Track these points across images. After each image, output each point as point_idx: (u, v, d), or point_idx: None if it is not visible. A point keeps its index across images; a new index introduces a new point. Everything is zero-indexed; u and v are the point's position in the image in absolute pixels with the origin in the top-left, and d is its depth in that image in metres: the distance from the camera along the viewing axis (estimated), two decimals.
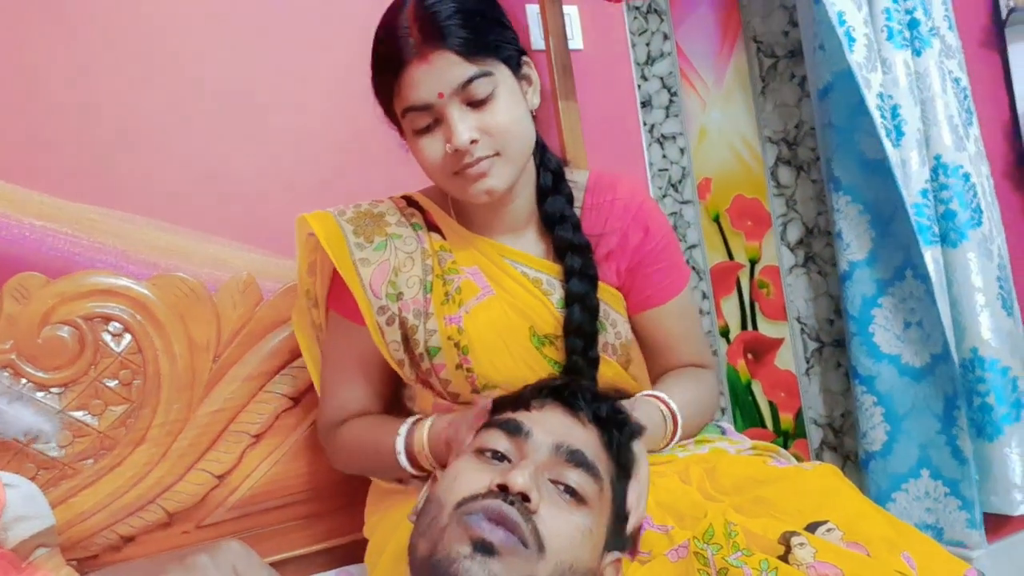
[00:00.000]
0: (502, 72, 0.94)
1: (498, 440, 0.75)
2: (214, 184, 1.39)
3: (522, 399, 0.81)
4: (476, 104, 0.92)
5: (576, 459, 0.73)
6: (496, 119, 0.93)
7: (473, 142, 0.92)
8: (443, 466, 0.90)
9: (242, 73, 1.43)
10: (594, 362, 1.03)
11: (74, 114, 1.30)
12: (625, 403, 0.88)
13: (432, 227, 1.08)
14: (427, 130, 0.94)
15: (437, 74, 0.90)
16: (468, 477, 0.71)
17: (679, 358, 1.11)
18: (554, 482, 0.71)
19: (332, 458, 1.14)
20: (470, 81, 0.91)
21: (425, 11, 0.91)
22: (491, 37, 0.93)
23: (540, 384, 0.84)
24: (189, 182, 1.37)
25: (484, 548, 0.63)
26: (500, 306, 1.02)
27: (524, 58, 1.00)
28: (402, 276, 1.02)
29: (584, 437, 0.76)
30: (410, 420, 0.99)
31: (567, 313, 1.02)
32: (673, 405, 0.98)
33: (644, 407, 0.94)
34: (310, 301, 1.15)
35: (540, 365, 1.02)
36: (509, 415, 0.78)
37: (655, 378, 1.13)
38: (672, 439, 0.98)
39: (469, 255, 1.04)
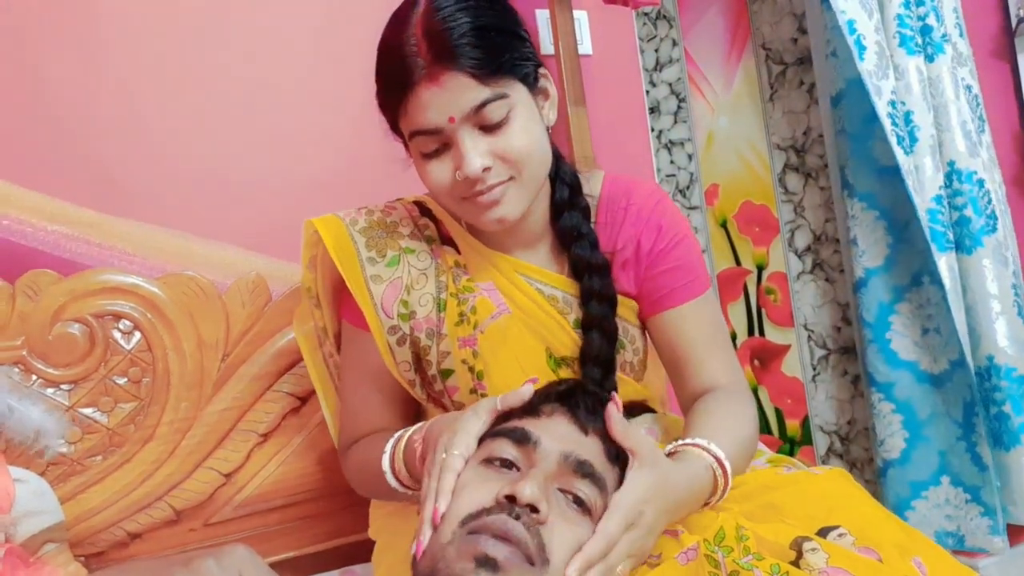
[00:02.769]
0: (518, 92, 0.87)
1: (506, 449, 0.74)
2: (223, 190, 1.40)
3: (530, 404, 0.79)
4: (490, 128, 0.85)
5: (584, 470, 0.72)
6: (511, 143, 0.86)
7: (486, 169, 0.85)
8: (417, 480, 0.85)
9: (250, 78, 1.44)
10: (612, 391, 0.96)
11: (83, 122, 1.31)
12: (673, 456, 0.80)
13: (446, 239, 1.03)
14: (435, 153, 0.87)
15: (448, 98, 0.83)
16: (474, 489, 0.70)
17: (707, 376, 0.98)
18: (562, 491, 0.71)
19: (349, 480, 1.06)
20: (484, 104, 0.83)
21: (435, 26, 0.82)
22: (507, 55, 0.85)
23: (547, 389, 0.82)
24: (198, 188, 1.38)
25: (488, 564, 0.63)
26: (516, 326, 0.97)
27: (541, 70, 0.92)
28: (415, 294, 0.97)
29: (590, 446, 0.75)
30: (396, 435, 0.91)
31: (585, 340, 0.97)
32: (723, 458, 0.80)
33: (694, 470, 0.78)
34: (312, 300, 1.08)
35: None
36: (516, 424, 0.77)
37: (685, 403, 1.00)
38: (722, 496, 0.81)
39: (484, 270, 0.99)
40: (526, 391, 0.79)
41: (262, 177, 1.43)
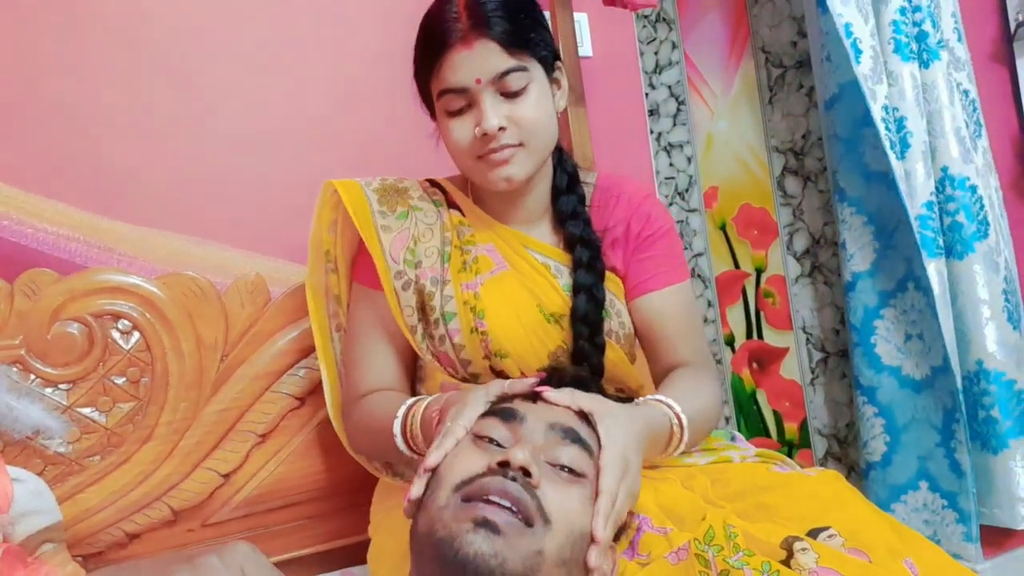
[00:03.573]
0: (536, 70, 1.01)
1: (495, 428, 0.77)
2: (223, 190, 1.40)
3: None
4: (509, 95, 0.98)
5: (570, 436, 0.75)
6: (525, 112, 0.98)
7: (501, 129, 0.98)
8: (429, 445, 0.90)
9: (250, 80, 1.44)
10: (600, 348, 1.06)
11: (82, 123, 1.32)
12: (632, 404, 0.90)
13: (452, 206, 1.14)
14: (459, 112, 1.00)
15: (478, 60, 0.96)
16: (467, 457, 0.73)
17: (678, 354, 1.10)
18: (551, 464, 0.73)
19: (349, 440, 1.15)
20: (507, 72, 0.97)
21: (474, 1, 0.97)
22: (531, 35, 0.99)
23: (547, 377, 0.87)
24: (198, 188, 1.39)
25: (488, 526, 0.65)
26: (512, 281, 1.07)
27: (557, 62, 1.06)
28: (421, 246, 1.08)
29: (575, 418, 0.79)
30: (410, 400, 0.99)
31: (574, 302, 1.06)
32: (680, 412, 0.93)
33: (651, 411, 0.91)
34: (329, 264, 1.18)
35: (549, 337, 1.06)
36: (506, 404, 0.81)
37: (658, 378, 1.12)
38: (678, 447, 0.94)
39: (486, 235, 1.10)
40: (533, 381, 0.85)
41: (262, 177, 1.44)
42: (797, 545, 0.66)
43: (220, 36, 1.43)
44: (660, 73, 2.05)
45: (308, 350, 1.27)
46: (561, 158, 1.12)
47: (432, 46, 0.99)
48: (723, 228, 2.03)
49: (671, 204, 2.06)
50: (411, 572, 0.72)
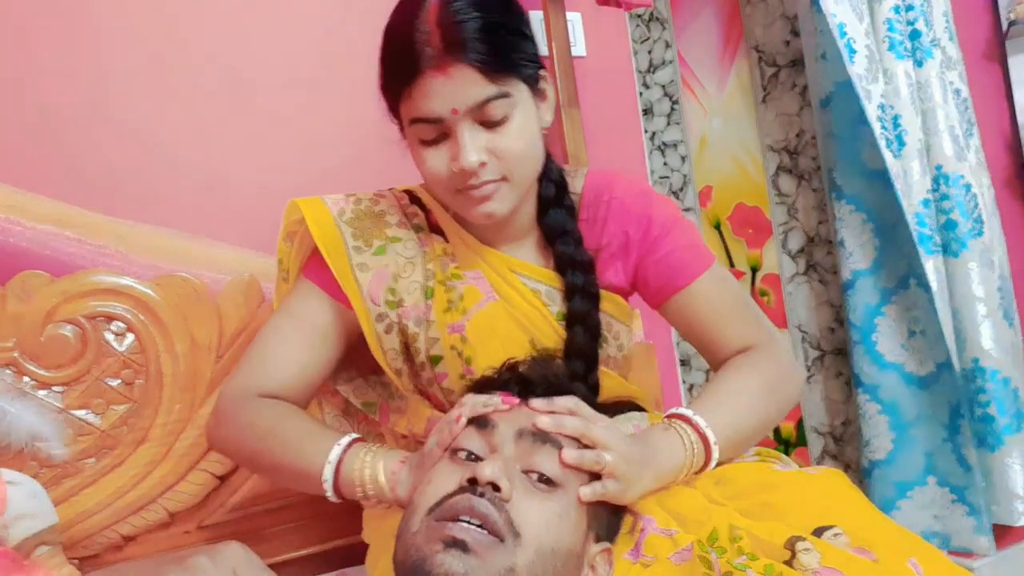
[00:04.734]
0: (520, 91, 0.89)
1: (471, 439, 0.76)
2: (217, 188, 1.39)
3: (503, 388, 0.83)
4: (489, 125, 0.87)
5: (540, 438, 0.74)
6: (508, 143, 0.88)
7: (482, 164, 0.87)
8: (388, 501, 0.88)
9: (246, 76, 1.44)
10: (595, 388, 1.00)
11: (76, 119, 1.31)
12: (647, 432, 0.85)
13: (434, 228, 1.04)
14: (434, 142, 0.89)
15: (454, 89, 0.85)
16: (441, 479, 0.73)
17: (728, 343, 0.99)
18: (527, 472, 0.72)
19: (226, 429, 0.98)
20: (488, 101, 0.86)
21: (448, 18, 0.84)
22: (514, 54, 0.88)
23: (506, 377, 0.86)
24: (192, 186, 1.38)
25: (458, 545, 0.65)
26: (502, 314, 0.99)
27: (542, 72, 0.94)
28: (402, 283, 0.98)
29: (546, 419, 0.77)
30: (347, 438, 0.90)
31: (569, 335, 0.98)
32: (704, 428, 0.84)
33: (663, 443, 0.83)
34: (282, 273, 1.09)
35: None
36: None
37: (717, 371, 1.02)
38: (706, 464, 0.85)
39: (471, 261, 1.01)
40: (497, 401, 0.81)
41: (257, 174, 1.43)
42: (800, 545, 0.66)
43: (218, 29, 1.42)
44: (654, 72, 2.05)
45: None
46: (547, 166, 1.00)
47: (401, 69, 0.86)
48: (718, 227, 2.04)
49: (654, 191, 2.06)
50: None
